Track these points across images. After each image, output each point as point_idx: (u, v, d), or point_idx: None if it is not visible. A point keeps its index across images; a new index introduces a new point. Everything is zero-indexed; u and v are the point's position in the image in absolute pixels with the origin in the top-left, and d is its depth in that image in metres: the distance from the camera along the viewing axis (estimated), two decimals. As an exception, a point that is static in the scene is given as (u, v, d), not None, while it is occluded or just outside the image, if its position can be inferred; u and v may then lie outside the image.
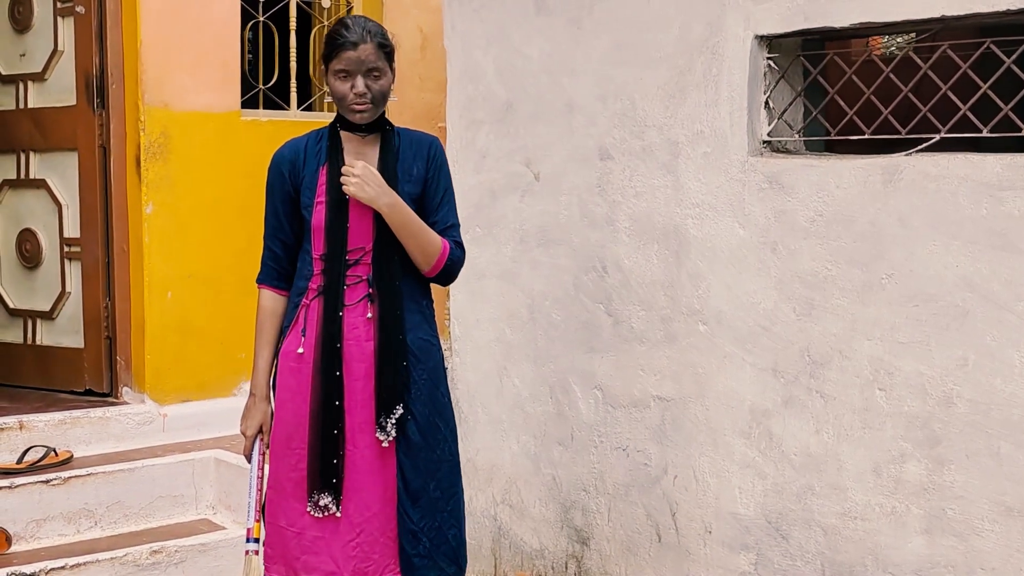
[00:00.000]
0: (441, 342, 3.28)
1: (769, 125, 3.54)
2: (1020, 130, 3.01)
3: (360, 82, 3.04)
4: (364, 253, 3.10)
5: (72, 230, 5.23)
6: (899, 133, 3.24)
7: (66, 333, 5.30)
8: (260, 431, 3.22)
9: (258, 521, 3.20)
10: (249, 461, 3.24)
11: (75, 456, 4.67)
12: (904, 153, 3.17)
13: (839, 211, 3.27)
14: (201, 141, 5.17)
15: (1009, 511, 2.96)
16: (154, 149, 5.01)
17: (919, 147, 3.18)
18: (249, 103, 5.52)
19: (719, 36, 3.54)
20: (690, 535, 3.70)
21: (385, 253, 3.10)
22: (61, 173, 5.26)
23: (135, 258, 5.07)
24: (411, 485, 3.12)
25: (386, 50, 3.09)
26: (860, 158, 3.26)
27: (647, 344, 3.79)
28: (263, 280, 3.26)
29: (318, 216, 3.11)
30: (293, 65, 5.70)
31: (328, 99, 5.87)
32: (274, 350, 3.22)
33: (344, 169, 3.06)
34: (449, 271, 3.21)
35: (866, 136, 3.33)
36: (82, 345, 5.22)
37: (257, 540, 3.17)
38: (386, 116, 3.21)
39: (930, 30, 3.22)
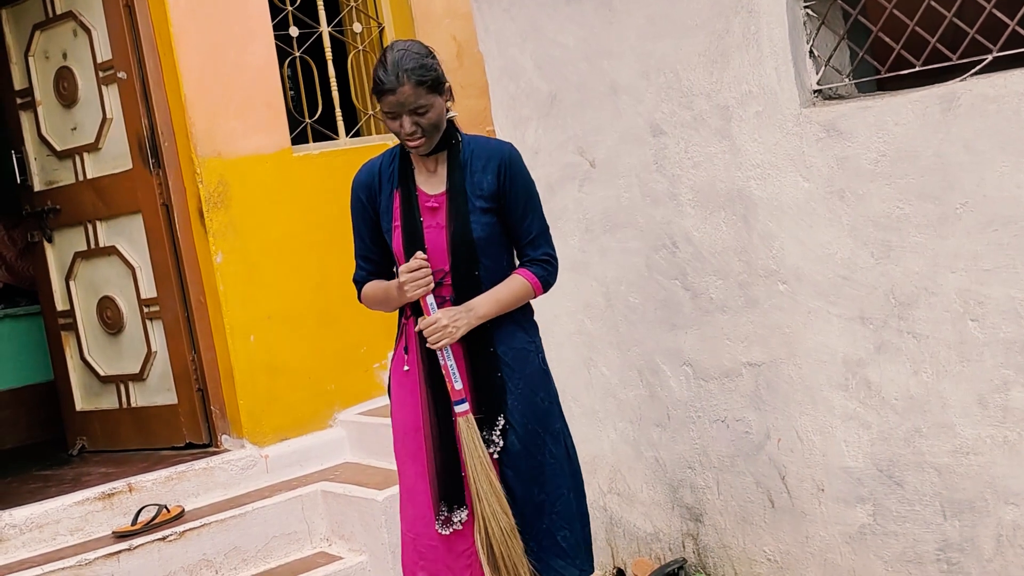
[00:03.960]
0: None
1: (817, 74, 3.49)
2: (1074, 36, 2.95)
3: (407, 122, 3.04)
4: (444, 274, 3.13)
5: (148, 291, 5.31)
6: (950, 60, 3.18)
7: (158, 391, 5.38)
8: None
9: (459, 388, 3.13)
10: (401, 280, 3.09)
11: (186, 510, 4.74)
12: (959, 79, 3.11)
13: (902, 148, 3.21)
14: (258, 183, 5.22)
15: (1125, 423, 2.90)
16: (214, 199, 5.07)
17: (973, 71, 3.12)
18: (298, 139, 5.56)
19: (752, -7, 3.51)
20: (803, 496, 3.66)
21: (463, 274, 3.13)
22: (129, 237, 5.35)
23: (213, 308, 5.14)
24: (515, 492, 3.15)
25: (427, 84, 3.02)
26: (915, 91, 3.20)
27: (729, 312, 3.76)
28: (361, 281, 3.34)
29: (396, 241, 3.17)
30: (335, 95, 5.74)
31: (376, 119, 5.90)
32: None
33: (427, 332, 3.06)
34: (546, 291, 3.30)
35: (917, 68, 3.28)
36: (175, 401, 5.30)
37: (463, 401, 3.12)
38: (456, 125, 3.19)
39: (965, -50, 3.16)
